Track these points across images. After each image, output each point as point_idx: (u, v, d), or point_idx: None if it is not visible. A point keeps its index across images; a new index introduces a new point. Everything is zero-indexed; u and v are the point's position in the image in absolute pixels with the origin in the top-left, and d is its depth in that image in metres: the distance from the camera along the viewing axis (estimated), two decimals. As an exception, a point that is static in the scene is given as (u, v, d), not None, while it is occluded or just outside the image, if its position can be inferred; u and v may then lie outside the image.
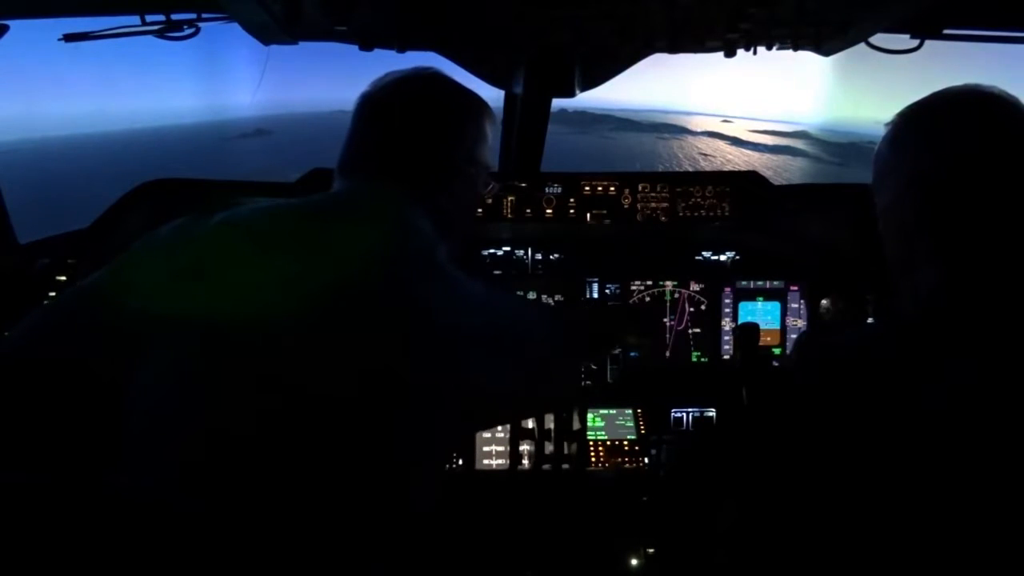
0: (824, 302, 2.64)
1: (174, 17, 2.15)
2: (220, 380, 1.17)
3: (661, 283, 2.93)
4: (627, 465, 2.60)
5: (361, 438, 1.16)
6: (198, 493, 1.11)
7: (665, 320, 2.93)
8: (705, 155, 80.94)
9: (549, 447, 2.56)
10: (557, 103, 2.86)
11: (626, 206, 2.83)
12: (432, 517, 1.33)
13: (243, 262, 1.27)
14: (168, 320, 1.22)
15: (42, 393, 1.26)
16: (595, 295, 2.92)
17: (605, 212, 2.83)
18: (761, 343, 2.50)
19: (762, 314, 2.92)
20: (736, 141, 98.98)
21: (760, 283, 2.94)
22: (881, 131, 1.35)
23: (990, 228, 1.19)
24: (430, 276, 1.31)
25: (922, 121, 1.29)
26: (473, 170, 1.59)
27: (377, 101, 1.54)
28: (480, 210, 2.79)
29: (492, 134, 1.65)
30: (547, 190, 2.83)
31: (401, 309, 1.23)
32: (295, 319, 1.19)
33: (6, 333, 2.32)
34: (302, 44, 2.15)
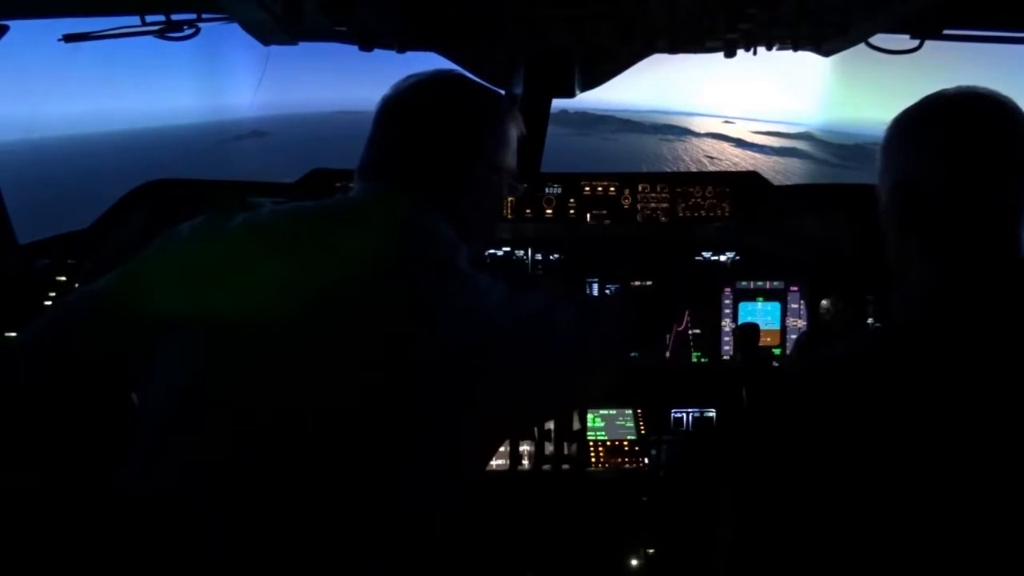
0: (824, 302, 2.64)
1: (174, 17, 2.14)
2: (235, 383, 1.17)
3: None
4: (627, 465, 2.60)
5: (375, 442, 1.16)
6: (206, 493, 1.12)
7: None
8: (711, 158, 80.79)
9: (549, 447, 2.57)
10: (557, 104, 2.86)
11: (626, 206, 2.83)
12: (456, 521, 1.32)
13: (261, 266, 1.26)
14: (182, 322, 1.22)
15: (54, 393, 1.27)
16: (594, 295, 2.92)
17: (605, 212, 2.83)
18: (761, 343, 2.51)
19: (762, 314, 2.92)
20: (740, 143, 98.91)
21: (760, 283, 2.94)
22: (882, 131, 1.36)
23: (976, 229, 1.20)
24: (450, 282, 1.29)
25: (909, 125, 1.30)
26: (496, 176, 1.56)
27: (397, 104, 1.52)
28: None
29: (516, 137, 1.61)
30: (547, 190, 2.83)
31: (421, 315, 1.22)
32: (312, 324, 1.19)
33: (11, 333, 2.34)
34: (301, 44, 2.15)
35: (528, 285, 2.73)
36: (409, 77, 1.54)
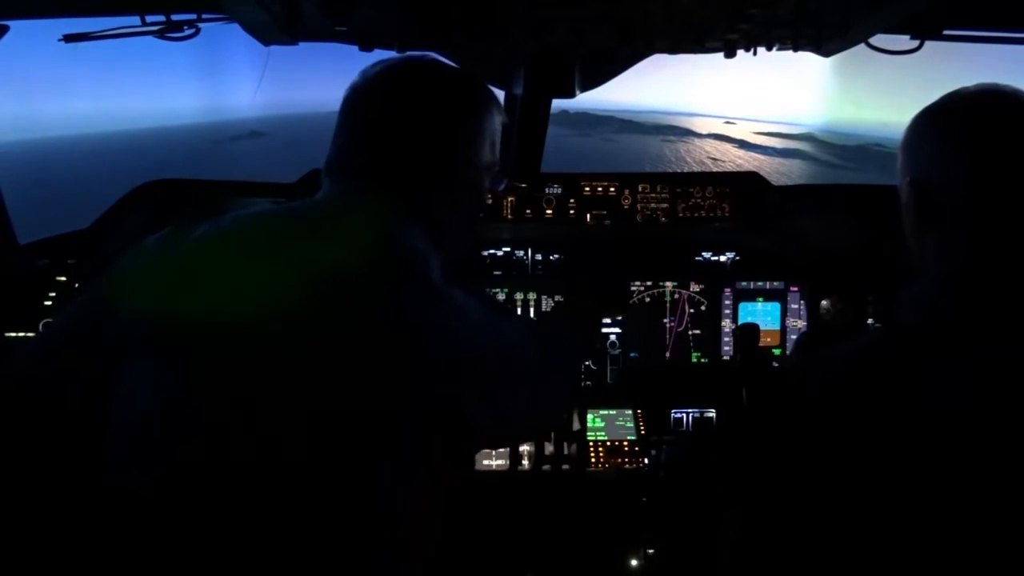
0: (824, 303, 2.64)
1: (174, 17, 2.14)
2: (195, 391, 1.16)
3: (661, 283, 2.93)
4: (627, 465, 2.60)
5: (342, 450, 1.14)
6: (181, 499, 1.11)
7: (665, 321, 2.93)
8: (715, 159, 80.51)
9: (549, 447, 2.56)
10: (557, 104, 2.86)
11: (626, 206, 2.83)
12: (455, 521, 1.31)
13: (222, 277, 1.24)
14: (150, 330, 1.21)
15: (45, 408, 1.28)
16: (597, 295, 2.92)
17: (605, 212, 2.83)
18: (761, 344, 2.51)
19: (762, 315, 2.93)
20: (744, 144, 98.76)
21: (760, 284, 2.94)
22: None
23: (992, 228, 1.18)
24: (420, 295, 1.24)
25: (929, 122, 1.28)
26: (472, 172, 1.46)
27: (365, 94, 1.42)
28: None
29: (498, 126, 1.51)
30: (547, 191, 2.82)
31: (384, 329, 1.18)
32: (273, 335, 1.16)
33: (11, 333, 2.34)
34: (300, 44, 2.15)
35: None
36: (377, 63, 1.44)
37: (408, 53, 1.49)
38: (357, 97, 1.43)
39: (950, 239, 1.22)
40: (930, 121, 1.28)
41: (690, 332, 2.94)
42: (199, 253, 1.29)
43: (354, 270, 1.23)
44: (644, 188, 2.83)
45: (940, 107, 1.27)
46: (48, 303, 2.50)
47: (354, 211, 1.34)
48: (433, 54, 1.49)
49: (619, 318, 2.88)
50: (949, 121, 1.25)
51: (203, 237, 1.30)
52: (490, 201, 2.77)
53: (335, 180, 1.41)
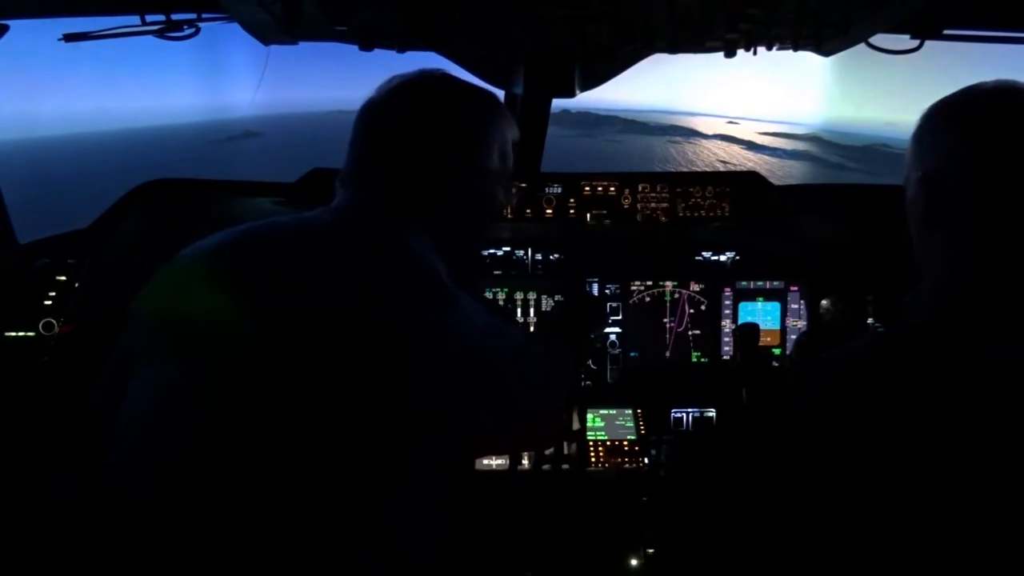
0: (824, 302, 2.63)
1: (174, 17, 2.15)
2: (201, 396, 1.18)
3: (661, 283, 2.93)
4: (627, 465, 2.60)
5: (352, 456, 1.15)
6: (178, 501, 1.12)
7: (665, 320, 2.93)
8: (724, 162, 79.45)
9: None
10: (558, 104, 2.86)
11: (626, 206, 2.83)
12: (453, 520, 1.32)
13: (234, 283, 1.26)
14: (156, 335, 1.26)
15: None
16: (595, 294, 2.92)
17: (605, 212, 2.83)
18: (761, 343, 2.51)
19: (762, 314, 2.92)
20: (752, 146, 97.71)
21: (760, 283, 2.94)
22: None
23: (1003, 228, 1.15)
24: (428, 301, 1.27)
25: (942, 116, 1.26)
26: (481, 182, 1.51)
27: (379, 108, 1.48)
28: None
29: (508, 137, 1.56)
30: (547, 190, 2.82)
31: (397, 332, 1.20)
32: (282, 338, 1.18)
33: (11, 333, 2.34)
34: (299, 44, 2.15)
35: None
36: (392, 79, 1.50)
37: (421, 68, 1.51)
38: (370, 111, 1.48)
39: (956, 237, 1.21)
40: (944, 116, 1.25)
41: (690, 332, 2.94)
42: (212, 260, 1.32)
43: (363, 275, 1.25)
44: (644, 188, 2.83)
45: (955, 102, 1.25)
46: (48, 303, 2.50)
47: (365, 219, 1.39)
48: (444, 69, 1.54)
49: (615, 330, 2.88)
50: (963, 117, 1.22)
51: (217, 245, 1.34)
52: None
53: (348, 189, 1.46)
